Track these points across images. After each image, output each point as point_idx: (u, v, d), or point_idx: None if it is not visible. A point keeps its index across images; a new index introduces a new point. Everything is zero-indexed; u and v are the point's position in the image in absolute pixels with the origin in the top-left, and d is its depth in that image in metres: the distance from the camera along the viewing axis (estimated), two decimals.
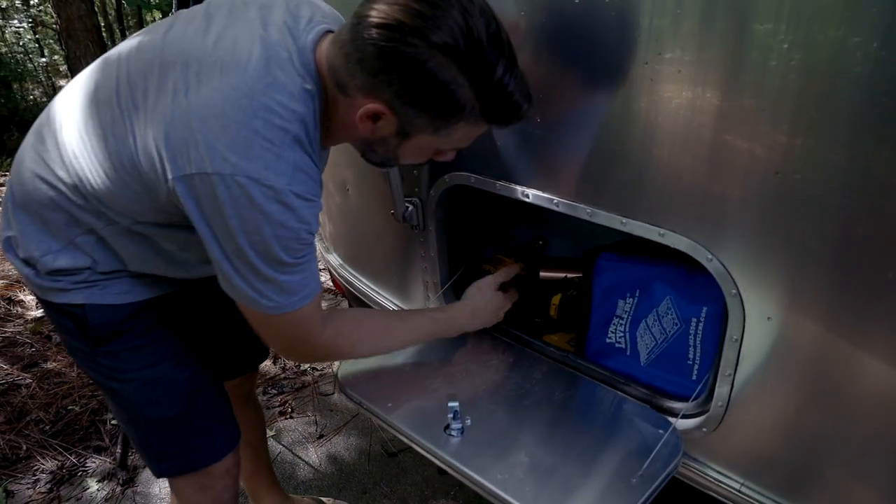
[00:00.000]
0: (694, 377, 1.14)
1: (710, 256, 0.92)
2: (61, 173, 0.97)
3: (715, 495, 1.09)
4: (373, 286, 1.67)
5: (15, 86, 7.45)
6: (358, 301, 1.77)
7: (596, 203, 1.03)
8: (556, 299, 1.38)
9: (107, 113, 0.93)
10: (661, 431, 1.04)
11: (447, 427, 1.04)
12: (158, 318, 1.14)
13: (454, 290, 1.43)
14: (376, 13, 0.80)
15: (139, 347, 1.12)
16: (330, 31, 0.93)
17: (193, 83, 0.85)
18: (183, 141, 0.83)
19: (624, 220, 1.00)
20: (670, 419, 1.07)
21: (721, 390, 1.01)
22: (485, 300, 1.28)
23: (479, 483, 0.94)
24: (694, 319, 1.12)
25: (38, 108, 7.83)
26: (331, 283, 2.95)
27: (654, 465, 0.97)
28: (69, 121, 0.98)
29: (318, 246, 2.07)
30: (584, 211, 1.05)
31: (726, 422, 1.03)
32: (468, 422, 1.05)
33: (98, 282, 1.07)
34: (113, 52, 0.99)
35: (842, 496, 0.96)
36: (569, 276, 1.42)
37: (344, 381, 1.17)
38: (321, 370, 2.68)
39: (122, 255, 1.06)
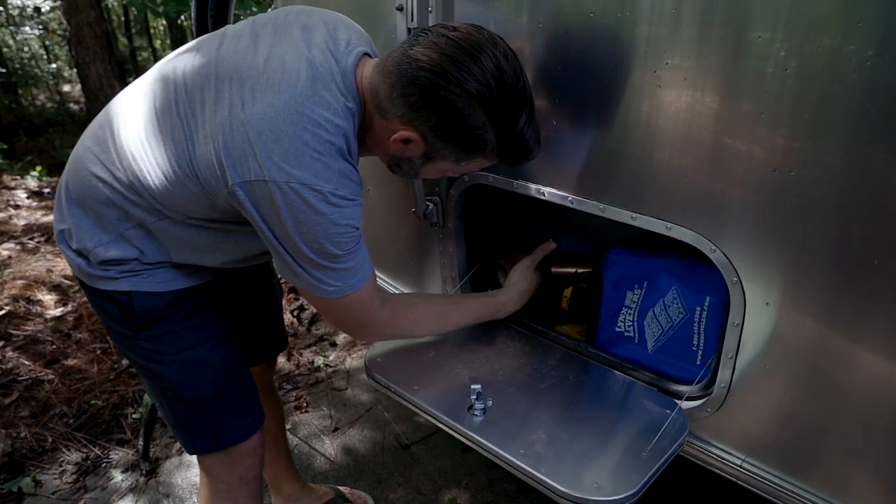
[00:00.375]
0: (698, 362, 1.22)
1: (713, 248, 1.00)
2: (118, 174, 1.06)
3: (718, 472, 1.17)
4: (391, 282, 1.75)
5: (21, 90, 7.52)
6: None
7: (608, 200, 1.12)
8: (567, 292, 1.47)
9: (166, 121, 1.02)
10: (668, 411, 1.12)
11: (471, 407, 1.12)
12: (197, 304, 1.23)
13: (471, 283, 1.51)
14: (426, 58, 0.94)
15: (179, 331, 1.21)
16: (367, 54, 1.05)
17: (248, 98, 0.94)
18: (241, 151, 0.93)
19: (634, 215, 1.08)
20: (676, 401, 1.16)
21: (723, 374, 1.09)
22: (528, 283, 1.41)
23: (502, 457, 1.02)
24: (698, 308, 1.21)
25: (45, 113, 7.91)
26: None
27: (663, 441, 1.06)
28: (127, 126, 1.07)
29: None
30: (596, 207, 1.13)
31: (728, 403, 1.11)
32: (490, 403, 1.13)
33: (143, 271, 1.16)
34: (168, 65, 1.08)
35: (837, 472, 1.04)
36: (579, 270, 1.50)
37: (371, 367, 1.26)
38: (334, 367, 2.76)
39: (169, 248, 1.15)
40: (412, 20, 1.18)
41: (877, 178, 0.81)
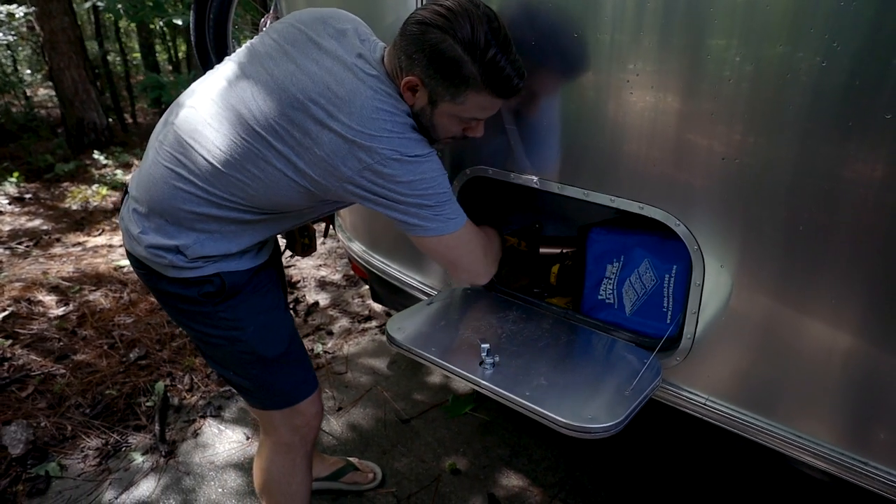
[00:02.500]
0: (668, 321, 1.46)
1: (677, 222, 1.23)
2: (214, 189, 1.25)
3: (687, 410, 1.40)
4: (395, 266, 1.96)
5: None
6: (381, 282, 2.06)
7: (591, 186, 1.34)
8: (555, 269, 1.69)
9: (260, 143, 1.20)
10: (644, 360, 1.36)
11: (481, 363, 1.33)
12: (267, 275, 1.44)
13: None
14: (414, 16, 1.19)
15: (254, 299, 1.40)
16: (381, 44, 1.30)
17: (328, 119, 1.16)
18: (347, 155, 1.17)
19: (613, 198, 1.31)
20: (651, 352, 1.39)
21: (688, 328, 1.33)
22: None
23: (512, 399, 1.24)
24: (667, 276, 1.44)
25: (18, 119, 7.85)
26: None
27: (641, 383, 1.29)
28: (213, 146, 1.23)
29: (340, 235, 2.34)
30: (581, 192, 1.36)
31: (693, 352, 1.35)
32: (497, 359, 1.34)
33: (231, 257, 1.35)
34: (222, 85, 1.25)
35: (786, 406, 1.28)
36: (564, 250, 1.73)
37: (392, 335, 1.46)
38: (332, 353, 2.94)
39: (257, 234, 1.36)
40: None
41: (805, 164, 1.05)
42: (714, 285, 1.25)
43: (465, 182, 1.58)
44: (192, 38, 2.44)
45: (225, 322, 1.37)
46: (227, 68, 1.29)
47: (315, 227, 1.80)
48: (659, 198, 1.25)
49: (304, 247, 1.73)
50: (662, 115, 1.18)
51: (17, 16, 6.20)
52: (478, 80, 1.17)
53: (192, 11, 2.40)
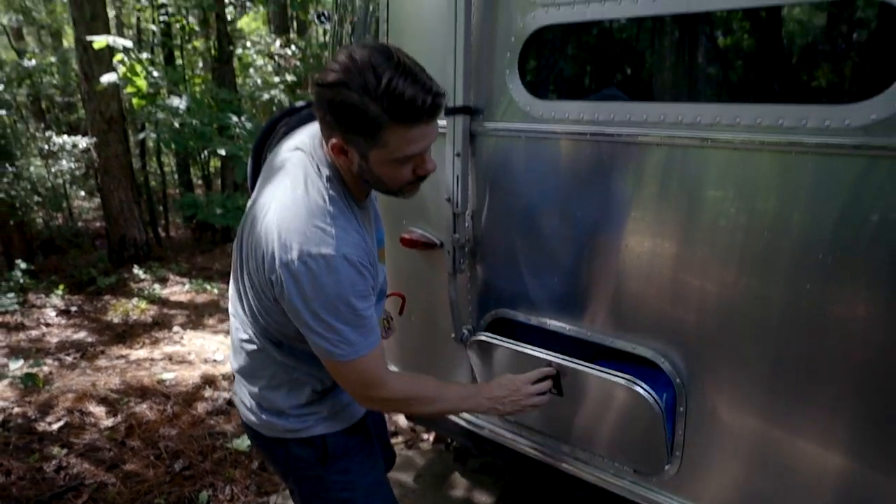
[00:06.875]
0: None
1: (662, 360, 1.55)
2: (259, 335, 1.37)
3: None
4: None
5: (41, 212, 8.05)
6: None
7: (594, 329, 1.67)
8: None
9: None
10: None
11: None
12: (364, 433, 1.54)
13: None
14: (314, 82, 1.16)
15: (361, 459, 1.47)
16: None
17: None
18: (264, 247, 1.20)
19: (611, 339, 1.63)
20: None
21: (677, 446, 1.60)
22: (509, 390, 1.53)
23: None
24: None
25: (65, 234, 8.44)
26: None
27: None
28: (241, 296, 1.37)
29: None
30: (585, 333, 1.68)
31: (683, 467, 1.61)
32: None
33: (328, 415, 1.44)
34: None
35: None
36: None
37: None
38: None
39: (311, 378, 1.41)
40: None
41: (785, 307, 1.38)
42: (696, 411, 1.54)
43: (491, 321, 1.92)
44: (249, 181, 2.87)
45: (337, 485, 1.45)
46: None
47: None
48: (648, 340, 1.58)
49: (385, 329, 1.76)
50: (658, 269, 1.53)
51: (80, 146, 6.92)
52: (384, 115, 1.10)
53: (249, 160, 2.85)
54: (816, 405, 1.37)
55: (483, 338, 1.80)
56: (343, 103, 1.11)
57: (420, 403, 1.43)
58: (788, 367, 1.37)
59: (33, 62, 8.70)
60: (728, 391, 1.49)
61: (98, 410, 3.66)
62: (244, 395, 1.47)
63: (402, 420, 3.56)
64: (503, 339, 1.76)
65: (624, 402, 1.57)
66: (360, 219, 1.29)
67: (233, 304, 1.43)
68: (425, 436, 3.33)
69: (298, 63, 8.05)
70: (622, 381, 1.54)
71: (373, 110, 1.10)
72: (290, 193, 1.20)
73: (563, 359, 1.61)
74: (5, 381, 3.93)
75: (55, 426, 3.44)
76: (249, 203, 1.35)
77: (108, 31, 6.57)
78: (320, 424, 1.44)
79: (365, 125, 1.12)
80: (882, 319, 1.24)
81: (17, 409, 3.62)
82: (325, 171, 1.24)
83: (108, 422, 3.54)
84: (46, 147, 7.04)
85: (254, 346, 1.39)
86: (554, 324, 1.75)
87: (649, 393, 1.50)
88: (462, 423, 2.10)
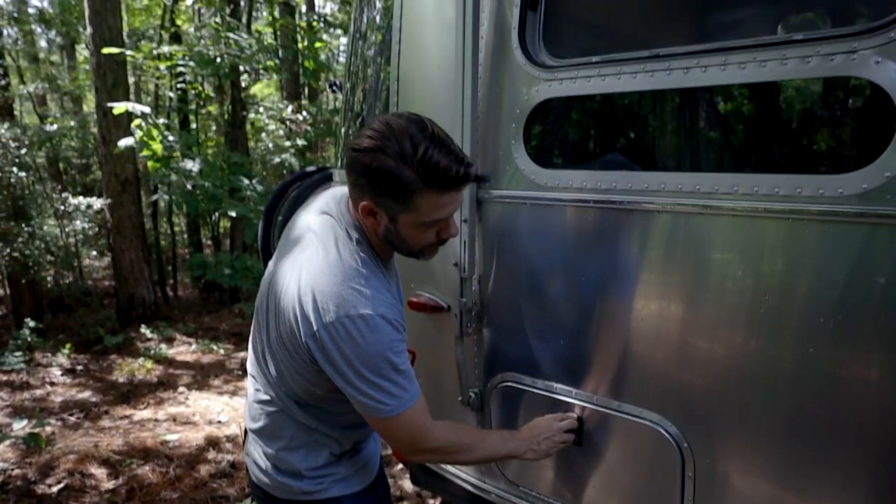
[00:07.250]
0: None
1: (668, 424, 1.55)
2: (282, 396, 1.39)
3: None
4: None
5: (52, 270, 8.13)
6: (421, 466, 2.32)
7: (600, 394, 1.68)
8: None
9: None
10: None
11: None
12: (381, 492, 1.57)
13: None
14: (348, 146, 1.25)
15: None
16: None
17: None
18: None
19: (617, 403, 1.64)
20: None
21: None
22: (540, 432, 1.59)
23: None
24: None
25: (74, 293, 8.50)
26: None
27: None
28: (264, 361, 1.40)
29: None
30: (590, 399, 1.69)
31: None
32: None
33: (344, 476, 1.45)
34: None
35: None
36: None
37: None
38: None
39: (334, 425, 1.43)
40: None
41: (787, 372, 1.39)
42: (702, 473, 1.52)
43: (497, 386, 1.93)
44: (260, 242, 2.93)
45: None
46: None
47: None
48: (653, 406, 1.58)
49: None
50: (662, 334, 1.55)
51: (94, 207, 7.09)
52: (418, 181, 1.17)
53: (261, 222, 2.91)
54: (827, 468, 1.36)
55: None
56: (379, 169, 1.17)
57: (463, 451, 1.44)
58: (796, 430, 1.37)
59: (55, 126, 9.01)
60: (736, 454, 1.48)
61: (99, 472, 3.61)
62: (258, 455, 1.47)
63: (407, 485, 3.49)
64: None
65: (645, 445, 1.57)
66: (388, 278, 1.35)
67: (253, 366, 1.46)
68: (431, 501, 3.26)
69: (309, 128, 8.30)
70: (647, 423, 1.54)
71: (408, 176, 1.17)
72: (322, 257, 1.25)
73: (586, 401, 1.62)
74: (7, 442, 3.90)
75: (55, 488, 3.40)
76: (271, 265, 1.39)
77: (127, 98, 6.85)
78: (336, 486, 1.45)
79: (398, 190, 1.19)
80: (886, 383, 1.26)
81: (17, 471, 3.58)
82: (355, 234, 1.30)
83: (109, 484, 3.49)
84: (62, 207, 7.20)
85: (275, 408, 1.41)
86: (560, 387, 1.76)
87: (671, 436, 1.51)
88: (468, 486, 2.08)
